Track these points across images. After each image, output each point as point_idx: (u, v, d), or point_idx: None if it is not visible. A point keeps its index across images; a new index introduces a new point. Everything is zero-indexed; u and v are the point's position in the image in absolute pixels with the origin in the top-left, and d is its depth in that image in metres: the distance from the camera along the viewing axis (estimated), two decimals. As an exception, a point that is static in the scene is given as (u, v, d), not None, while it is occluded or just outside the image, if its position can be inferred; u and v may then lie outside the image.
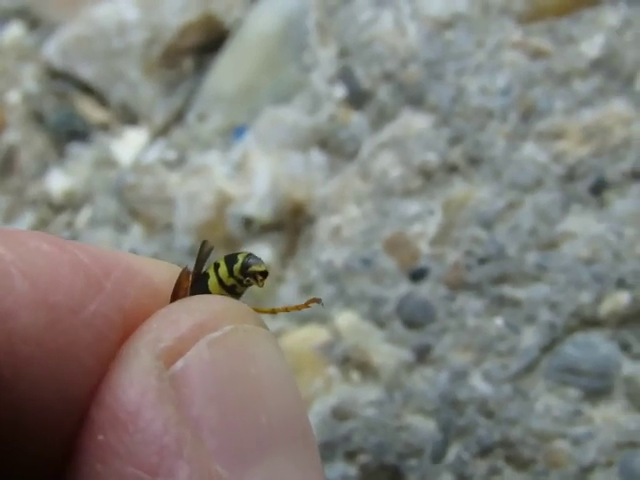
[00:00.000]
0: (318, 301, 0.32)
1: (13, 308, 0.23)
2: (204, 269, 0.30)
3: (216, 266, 0.30)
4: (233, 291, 0.30)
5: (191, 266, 0.29)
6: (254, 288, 0.30)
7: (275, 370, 0.26)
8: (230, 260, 0.30)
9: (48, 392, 0.24)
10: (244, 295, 0.30)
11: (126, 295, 0.26)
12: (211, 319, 0.26)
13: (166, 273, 0.28)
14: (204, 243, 0.31)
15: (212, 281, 0.30)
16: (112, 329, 0.25)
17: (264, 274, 0.29)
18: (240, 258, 0.29)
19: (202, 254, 0.31)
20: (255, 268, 0.29)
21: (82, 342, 0.24)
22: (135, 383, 0.24)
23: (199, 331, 0.25)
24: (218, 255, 0.30)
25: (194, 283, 0.29)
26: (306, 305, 0.32)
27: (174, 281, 0.28)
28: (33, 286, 0.23)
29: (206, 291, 0.30)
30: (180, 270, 0.28)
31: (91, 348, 0.25)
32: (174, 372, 0.24)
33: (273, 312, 0.33)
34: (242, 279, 0.29)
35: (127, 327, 0.25)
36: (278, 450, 0.25)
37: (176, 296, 0.28)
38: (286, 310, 0.33)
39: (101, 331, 0.25)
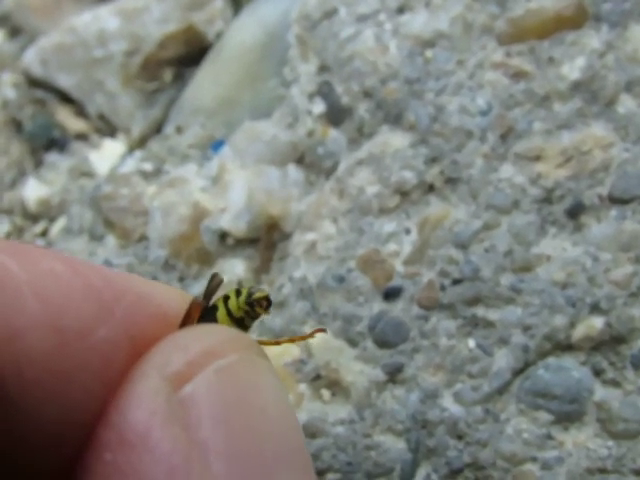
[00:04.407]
0: (324, 330, 0.34)
1: (22, 329, 0.23)
2: (212, 301, 0.31)
3: (225, 298, 0.31)
4: (242, 323, 0.31)
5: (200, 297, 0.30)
6: None
7: (279, 401, 0.26)
8: (238, 293, 0.31)
9: (52, 413, 0.24)
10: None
11: (136, 322, 0.26)
12: (218, 347, 0.26)
13: (176, 300, 0.29)
14: (214, 275, 0.32)
15: (221, 312, 0.31)
16: (119, 355, 0.25)
17: (267, 300, 0.31)
18: (244, 291, 0.31)
19: (211, 286, 0.32)
20: (258, 295, 0.30)
21: (89, 366, 0.25)
22: (144, 404, 0.24)
23: (207, 358, 0.25)
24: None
25: (203, 314, 0.30)
26: (311, 335, 0.34)
27: (184, 310, 0.29)
28: (44, 308, 0.24)
29: (214, 322, 0.31)
30: (190, 300, 0.29)
31: (97, 373, 0.25)
32: (182, 395, 0.25)
33: (277, 343, 0.34)
34: (249, 310, 0.30)
35: (135, 353, 0.26)
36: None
37: (184, 326, 0.28)
38: (291, 341, 0.34)
39: (108, 356, 0.25)
